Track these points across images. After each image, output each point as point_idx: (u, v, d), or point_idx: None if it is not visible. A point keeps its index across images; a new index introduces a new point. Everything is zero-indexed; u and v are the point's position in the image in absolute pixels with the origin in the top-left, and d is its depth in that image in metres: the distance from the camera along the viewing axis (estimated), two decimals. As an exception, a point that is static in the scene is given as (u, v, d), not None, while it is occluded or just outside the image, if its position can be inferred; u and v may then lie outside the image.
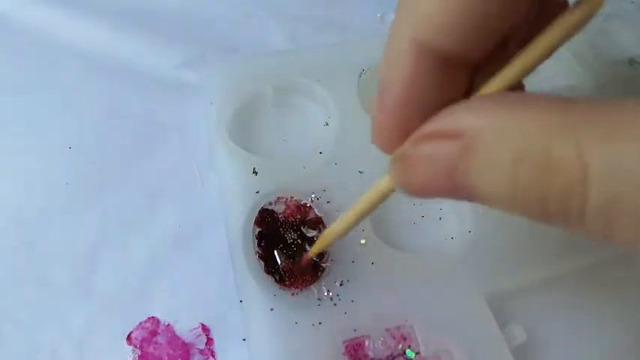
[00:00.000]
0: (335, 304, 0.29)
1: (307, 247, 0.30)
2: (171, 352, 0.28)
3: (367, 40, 0.39)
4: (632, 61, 0.41)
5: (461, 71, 0.19)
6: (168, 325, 0.29)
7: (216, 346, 0.29)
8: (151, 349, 0.28)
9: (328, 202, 0.32)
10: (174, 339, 0.29)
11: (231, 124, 0.36)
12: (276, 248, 0.30)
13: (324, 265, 0.30)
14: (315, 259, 0.29)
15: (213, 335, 0.29)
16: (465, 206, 0.33)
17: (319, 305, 0.28)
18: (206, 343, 0.29)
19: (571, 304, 0.31)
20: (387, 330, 0.28)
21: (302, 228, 0.31)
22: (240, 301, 0.29)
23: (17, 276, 0.30)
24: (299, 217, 0.31)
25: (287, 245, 0.30)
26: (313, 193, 0.32)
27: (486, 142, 0.16)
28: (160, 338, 0.28)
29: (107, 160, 0.35)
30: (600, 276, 0.32)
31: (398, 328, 0.28)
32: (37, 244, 0.31)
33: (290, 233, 0.30)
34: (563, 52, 0.41)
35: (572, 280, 0.31)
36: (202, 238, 0.32)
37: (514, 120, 0.16)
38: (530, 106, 0.16)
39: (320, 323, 0.28)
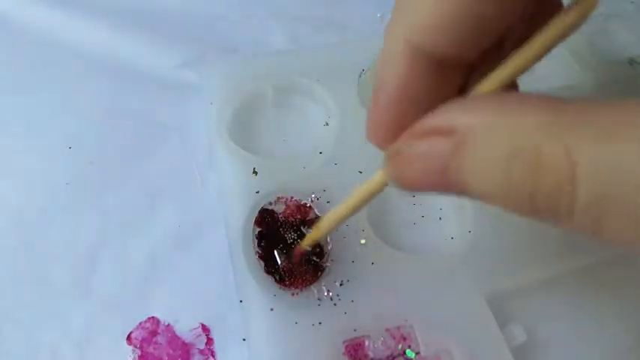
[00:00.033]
0: (335, 304, 0.29)
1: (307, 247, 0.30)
2: (171, 352, 0.28)
3: (367, 40, 0.39)
4: (631, 61, 0.41)
5: (455, 71, 0.19)
6: (168, 325, 0.29)
7: (216, 346, 0.29)
8: (151, 349, 0.28)
9: (328, 202, 0.32)
10: (174, 339, 0.29)
11: (231, 124, 0.36)
12: (276, 248, 0.30)
13: (324, 265, 0.30)
14: (315, 259, 0.29)
15: (213, 335, 0.29)
16: (465, 206, 0.33)
17: (319, 305, 0.28)
18: (206, 343, 0.29)
19: (571, 304, 0.31)
20: (387, 330, 0.28)
21: (302, 228, 0.31)
22: (240, 301, 0.29)
23: (17, 276, 0.30)
24: (299, 217, 0.31)
25: (287, 245, 0.30)
26: (313, 193, 0.32)
27: (479, 140, 0.16)
28: (159, 338, 0.28)
29: (107, 160, 0.35)
30: (600, 276, 0.32)
31: (398, 328, 0.28)
32: (37, 244, 0.31)
33: (290, 233, 0.30)
34: (562, 52, 0.41)
35: (572, 280, 0.31)
36: (202, 238, 0.32)
37: (506, 119, 0.16)
38: (523, 105, 0.16)
39: (320, 323, 0.28)
